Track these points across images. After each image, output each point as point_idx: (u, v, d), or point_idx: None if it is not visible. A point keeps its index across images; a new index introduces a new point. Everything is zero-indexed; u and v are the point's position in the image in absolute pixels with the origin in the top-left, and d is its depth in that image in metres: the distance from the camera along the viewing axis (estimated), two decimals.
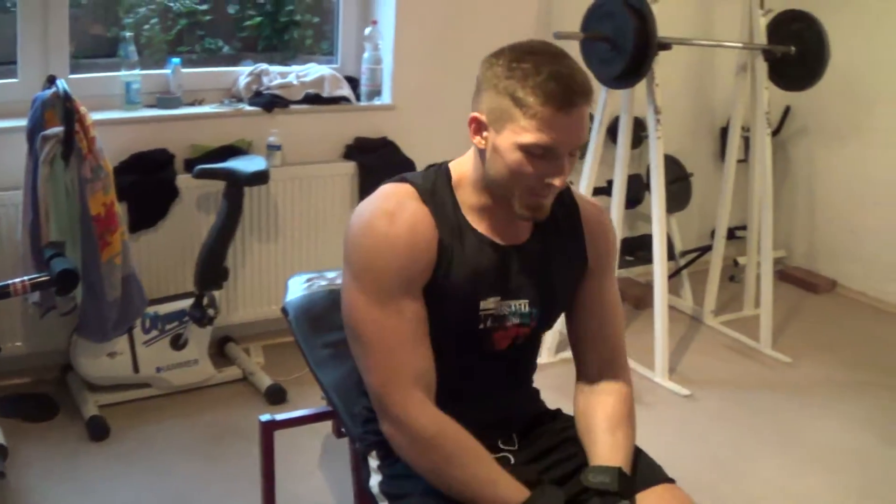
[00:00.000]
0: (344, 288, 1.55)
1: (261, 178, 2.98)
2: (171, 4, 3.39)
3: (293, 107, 3.33)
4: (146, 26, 3.34)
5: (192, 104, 3.24)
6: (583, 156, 3.41)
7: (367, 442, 1.69)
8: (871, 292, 4.33)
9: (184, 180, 3.09)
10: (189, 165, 3.12)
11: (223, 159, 3.08)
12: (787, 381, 3.49)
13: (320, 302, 2.06)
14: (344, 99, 3.42)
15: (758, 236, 3.84)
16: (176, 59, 3.16)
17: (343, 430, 1.97)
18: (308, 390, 2.92)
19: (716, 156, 4.41)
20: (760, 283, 3.77)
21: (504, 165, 1.46)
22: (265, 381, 3.11)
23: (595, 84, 1.92)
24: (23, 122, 2.67)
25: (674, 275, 4.07)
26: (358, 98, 3.49)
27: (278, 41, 3.63)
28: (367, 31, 3.44)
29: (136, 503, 2.51)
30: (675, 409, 3.21)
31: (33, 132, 2.59)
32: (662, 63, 3.18)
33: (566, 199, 1.65)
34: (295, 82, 3.36)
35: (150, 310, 2.96)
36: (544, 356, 3.36)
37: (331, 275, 2.16)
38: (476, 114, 1.49)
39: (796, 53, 3.54)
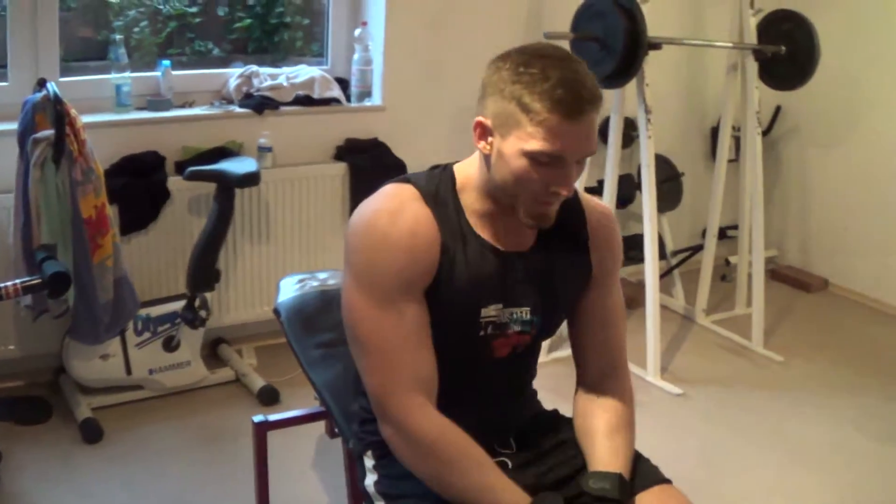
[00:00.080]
0: (344, 288, 1.52)
1: (252, 179, 2.98)
2: (161, 7, 3.38)
3: (284, 108, 3.33)
4: (136, 29, 3.33)
5: (182, 106, 3.24)
6: None
7: (363, 441, 1.67)
8: (862, 291, 4.34)
9: (175, 182, 3.09)
10: (180, 168, 3.11)
11: (214, 161, 3.09)
12: (778, 379, 3.50)
13: (312, 303, 2.06)
14: (334, 100, 3.42)
15: (749, 235, 3.84)
16: (166, 62, 3.16)
17: (336, 430, 1.98)
18: (301, 391, 2.92)
19: (707, 155, 4.41)
20: (752, 283, 3.78)
21: (509, 172, 1.43)
22: (258, 382, 3.11)
23: None
24: (13, 126, 2.67)
25: (665, 274, 4.07)
26: (348, 99, 3.49)
27: (268, 43, 3.63)
28: (357, 32, 3.43)
29: None
30: (668, 408, 3.22)
31: (24, 135, 2.59)
32: (653, 63, 3.19)
33: (573, 205, 1.60)
34: (285, 84, 3.36)
35: (143, 312, 2.96)
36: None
37: (322, 275, 2.16)
38: (481, 118, 1.45)
39: (786, 53, 3.56)
